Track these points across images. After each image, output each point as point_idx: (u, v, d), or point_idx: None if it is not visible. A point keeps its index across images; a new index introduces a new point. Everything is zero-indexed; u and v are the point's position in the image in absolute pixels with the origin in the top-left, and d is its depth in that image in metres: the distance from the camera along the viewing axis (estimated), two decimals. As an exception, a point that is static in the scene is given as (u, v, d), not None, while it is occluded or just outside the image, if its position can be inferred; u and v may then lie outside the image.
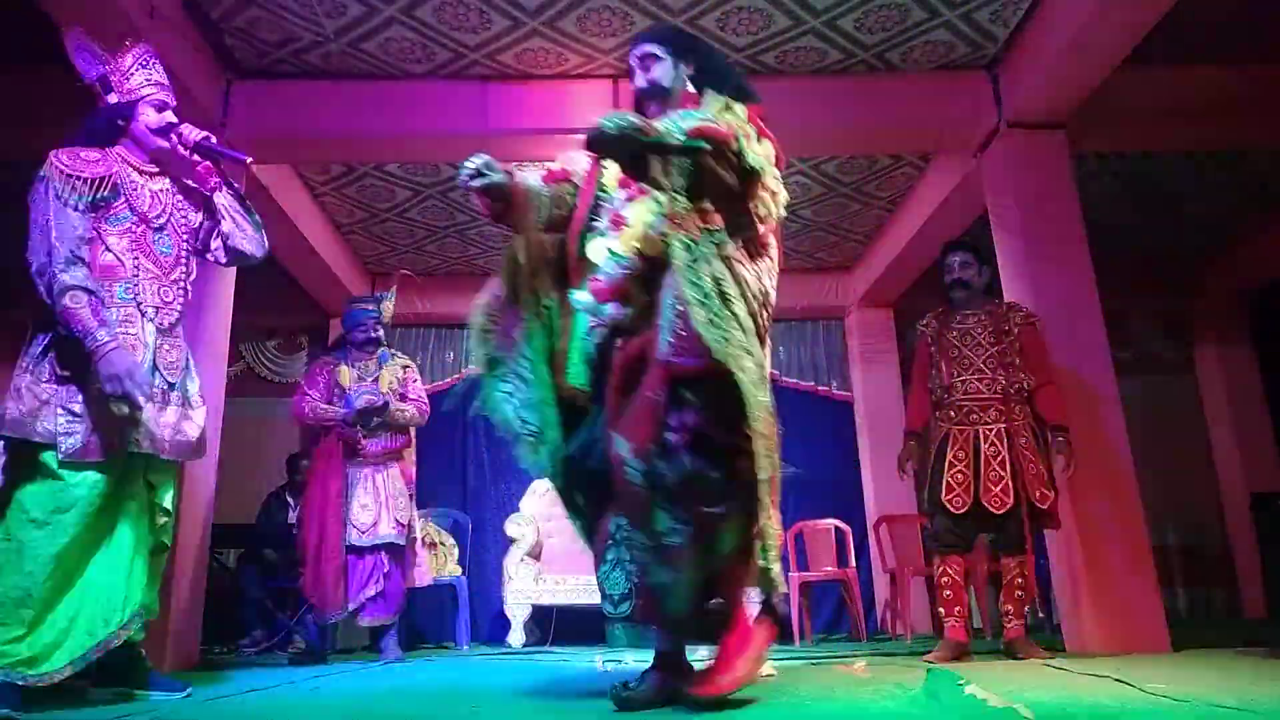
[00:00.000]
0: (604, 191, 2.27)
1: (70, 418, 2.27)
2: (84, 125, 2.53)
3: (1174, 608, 6.43)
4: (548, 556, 5.91)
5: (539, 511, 6.09)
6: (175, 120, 2.56)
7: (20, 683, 2.11)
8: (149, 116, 2.54)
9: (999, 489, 3.48)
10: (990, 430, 3.59)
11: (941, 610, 3.65)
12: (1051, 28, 3.95)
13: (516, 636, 5.63)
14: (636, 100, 2.29)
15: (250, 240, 2.68)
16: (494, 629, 6.25)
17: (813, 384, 7.06)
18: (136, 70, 2.58)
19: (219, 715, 2.14)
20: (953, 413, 3.67)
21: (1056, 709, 1.73)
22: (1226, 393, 6.96)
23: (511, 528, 5.99)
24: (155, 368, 2.41)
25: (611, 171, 2.24)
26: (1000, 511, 3.48)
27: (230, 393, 4.44)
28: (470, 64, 4.39)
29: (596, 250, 2.15)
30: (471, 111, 4.46)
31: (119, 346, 2.27)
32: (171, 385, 2.46)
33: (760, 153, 2.04)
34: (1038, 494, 3.48)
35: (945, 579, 3.61)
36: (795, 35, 4.21)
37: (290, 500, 5.84)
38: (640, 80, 2.28)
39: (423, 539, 5.76)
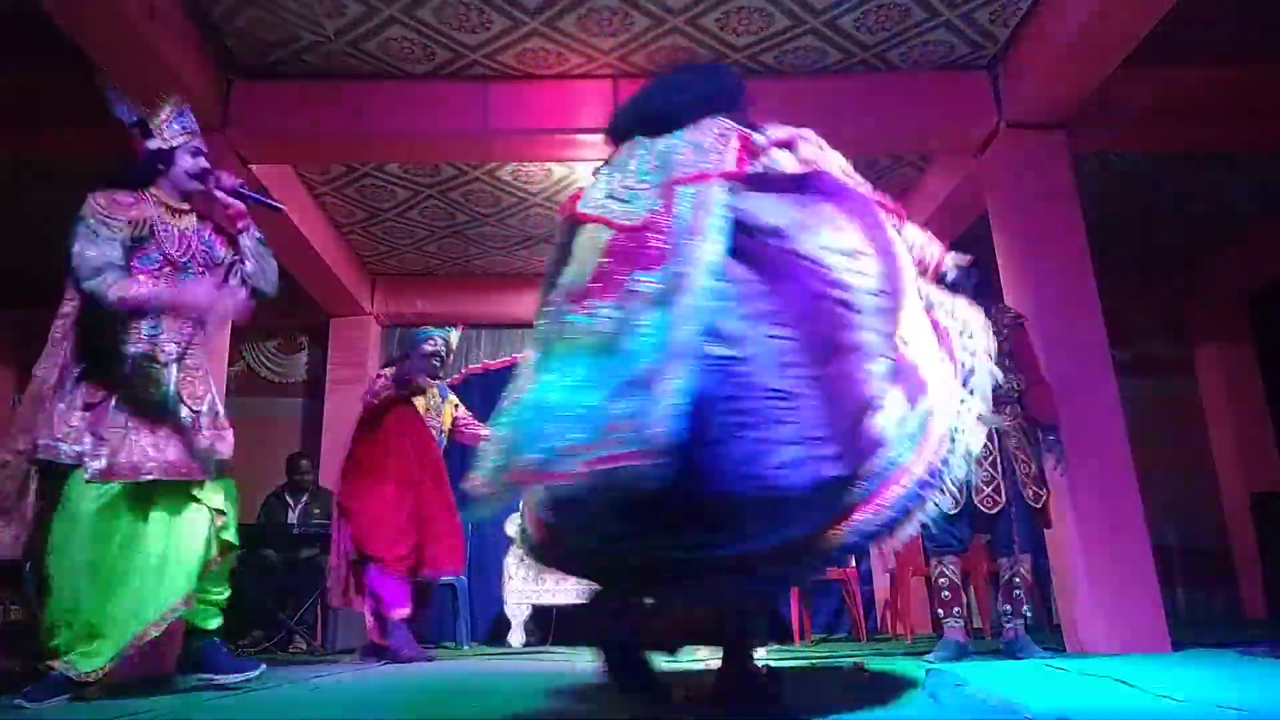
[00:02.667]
0: None
1: (96, 442, 2.48)
2: (126, 167, 2.78)
3: (1174, 608, 6.43)
4: (548, 556, 5.91)
5: (539, 511, 6.08)
6: (208, 166, 2.79)
7: (74, 677, 2.36)
8: (185, 162, 2.77)
9: (990, 489, 3.52)
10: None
11: (940, 611, 3.67)
12: (1051, 28, 3.95)
13: (516, 636, 5.63)
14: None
15: (268, 282, 2.90)
16: (494, 629, 6.25)
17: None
18: (174, 120, 2.81)
19: (219, 715, 2.14)
20: None
21: (1056, 709, 1.73)
22: (1226, 393, 6.95)
23: (511, 528, 5.98)
24: (180, 400, 2.63)
25: None
26: (992, 511, 3.51)
27: (230, 392, 4.44)
28: (470, 64, 4.39)
29: None
30: (472, 111, 4.46)
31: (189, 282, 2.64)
32: (197, 413, 2.66)
33: None
34: (1030, 493, 3.50)
35: (942, 579, 3.64)
36: (795, 35, 4.21)
37: (290, 500, 5.84)
38: None
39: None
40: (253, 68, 4.37)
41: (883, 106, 4.52)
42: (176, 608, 2.56)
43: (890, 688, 2.34)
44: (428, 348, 4.30)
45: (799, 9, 4.03)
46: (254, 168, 4.64)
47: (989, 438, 3.59)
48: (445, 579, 5.57)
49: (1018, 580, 3.51)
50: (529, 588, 5.72)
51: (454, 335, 4.49)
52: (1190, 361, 7.24)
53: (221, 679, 2.69)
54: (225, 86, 4.34)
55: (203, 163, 2.78)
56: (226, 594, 2.81)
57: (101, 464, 2.46)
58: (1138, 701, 1.89)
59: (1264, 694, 1.95)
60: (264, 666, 2.81)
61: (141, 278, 2.59)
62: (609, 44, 4.26)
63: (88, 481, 2.45)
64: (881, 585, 6.38)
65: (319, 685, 2.82)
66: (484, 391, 6.96)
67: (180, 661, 2.65)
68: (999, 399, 3.62)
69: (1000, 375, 3.59)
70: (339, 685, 2.85)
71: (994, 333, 3.68)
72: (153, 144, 2.76)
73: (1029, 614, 3.53)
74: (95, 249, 2.53)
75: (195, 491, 2.62)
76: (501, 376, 7.03)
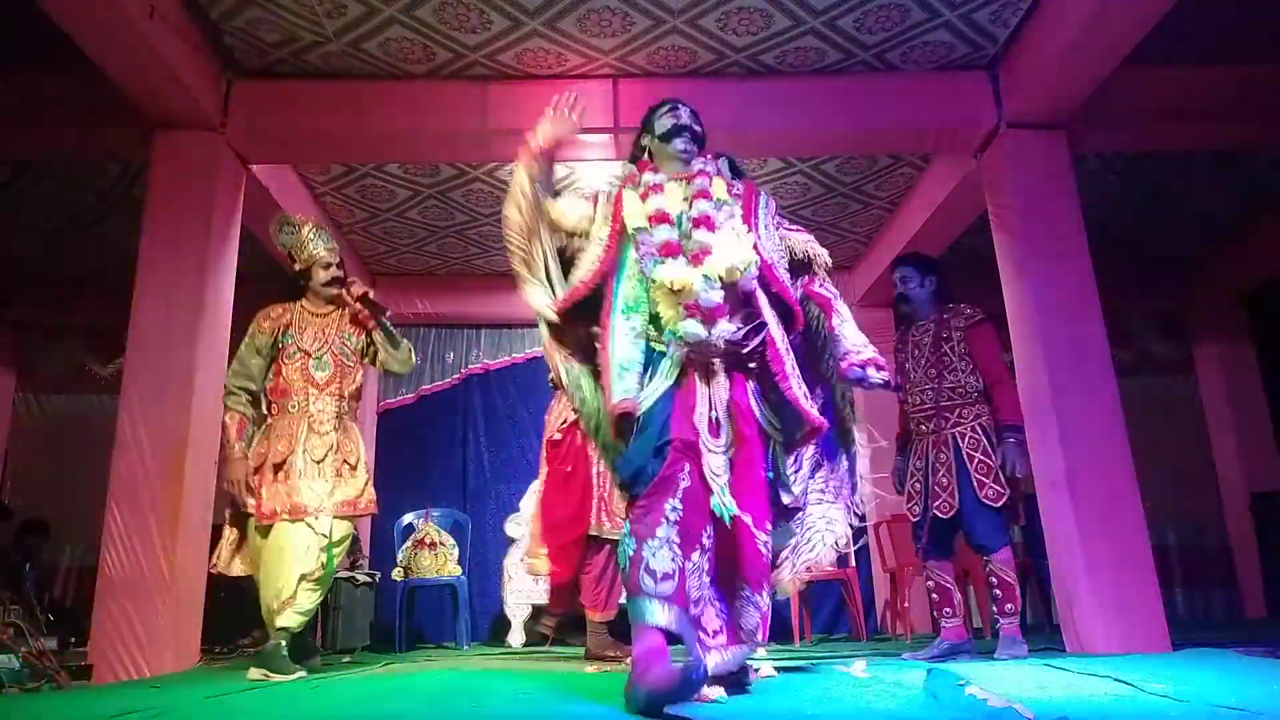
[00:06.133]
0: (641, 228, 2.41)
1: (252, 498, 3.31)
2: (286, 285, 3.66)
3: (1174, 608, 6.43)
4: (548, 556, 5.91)
5: (539, 511, 6.08)
6: (341, 275, 3.59)
7: (284, 627, 3.17)
8: (320, 275, 3.57)
9: (946, 495, 3.56)
10: (935, 439, 3.68)
11: (934, 611, 3.73)
12: (1051, 28, 3.94)
13: (516, 636, 5.63)
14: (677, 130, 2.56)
15: (397, 363, 3.65)
16: (494, 629, 6.25)
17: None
18: (311, 240, 3.58)
19: (219, 714, 2.14)
20: (912, 425, 3.83)
21: (1056, 709, 1.72)
22: (1226, 393, 6.95)
23: (511, 528, 6.00)
24: (305, 451, 3.34)
25: (637, 208, 2.45)
26: (947, 517, 3.55)
27: (230, 393, 4.43)
28: (470, 64, 4.38)
29: (682, 273, 2.27)
30: (471, 111, 4.46)
31: (241, 459, 3.33)
32: (318, 462, 3.34)
33: None
34: (989, 493, 3.50)
35: (930, 582, 3.74)
36: (795, 35, 4.21)
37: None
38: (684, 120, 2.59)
39: (423, 539, 5.78)
40: (253, 68, 4.37)
41: (883, 106, 4.51)
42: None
43: (890, 687, 2.34)
44: None
45: (799, 9, 4.03)
46: (254, 168, 4.64)
47: (945, 443, 3.61)
48: (446, 579, 5.60)
49: (994, 580, 3.54)
50: (529, 588, 5.72)
51: None
52: (1190, 361, 7.24)
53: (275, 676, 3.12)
54: (225, 86, 4.34)
55: (334, 273, 3.56)
56: (310, 606, 3.34)
57: (263, 509, 3.27)
58: (1138, 701, 1.89)
59: (1264, 694, 1.96)
60: (304, 673, 3.21)
61: (237, 416, 3.39)
62: (609, 44, 4.26)
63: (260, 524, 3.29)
64: (881, 585, 6.38)
65: (319, 685, 2.82)
66: (484, 391, 6.97)
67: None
68: (955, 400, 3.66)
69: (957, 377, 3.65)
70: (339, 685, 2.85)
71: (943, 338, 3.74)
72: (296, 266, 3.59)
73: (1011, 611, 3.54)
74: (240, 360, 3.46)
75: (314, 524, 3.27)
76: (502, 376, 7.04)
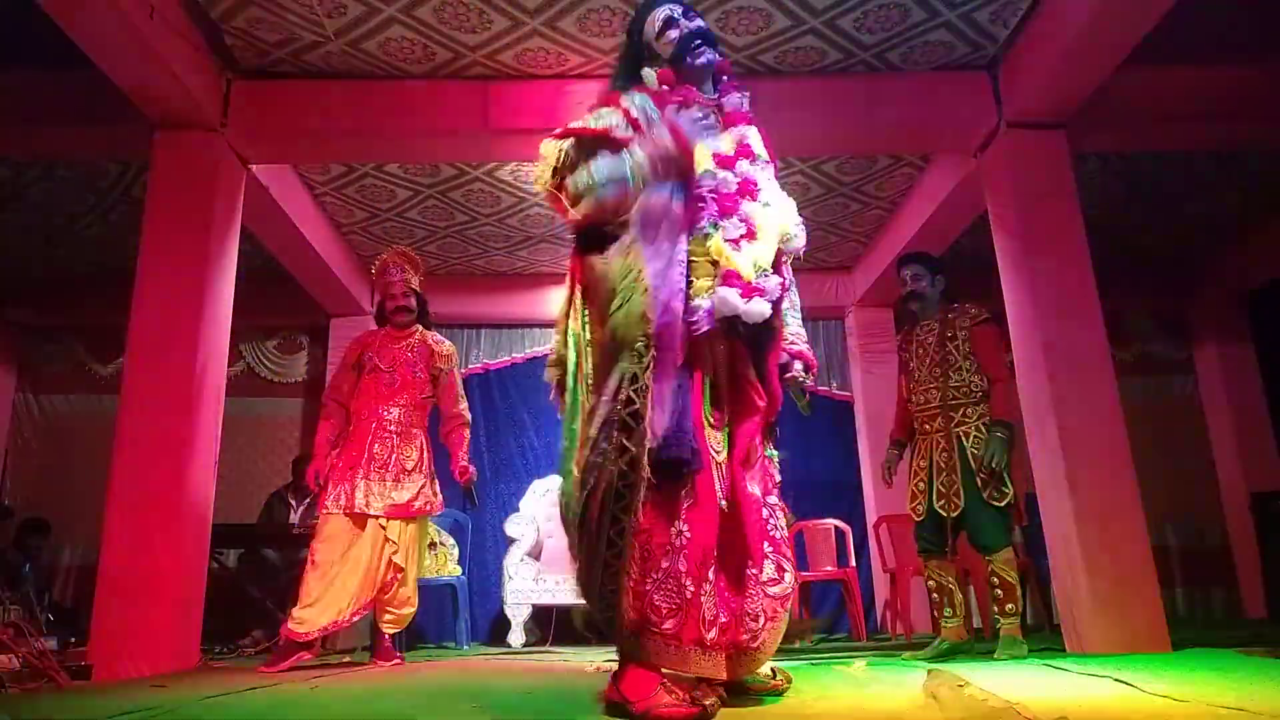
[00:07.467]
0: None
1: (339, 488, 3.82)
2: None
3: (1174, 608, 6.43)
4: (548, 556, 5.91)
5: (539, 511, 6.09)
6: (398, 305, 4.12)
7: (293, 635, 3.59)
8: (388, 306, 4.16)
9: (950, 494, 3.60)
10: (940, 439, 3.71)
11: (934, 611, 3.74)
12: (1051, 28, 3.94)
13: (516, 636, 5.63)
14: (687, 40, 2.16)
15: (451, 403, 4.17)
16: (494, 629, 6.25)
17: (812, 384, 7.05)
18: (380, 275, 4.20)
19: (219, 714, 2.14)
20: (915, 424, 3.88)
21: (1056, 709, 1.72)
22: (1226, 393, 6.95)
23: (511, 528, 6.00)
24: (370, 457, 3.84)
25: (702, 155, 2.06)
26: (951, 516, 3.58)
27: (230, 393, 4.44)
28: (470, 64, 4.38)
29: (739, 256, 2.03)
30: (471, 111, 4.46)
31: (321, 459, 3.89)
32: (381, 466, 3.84)
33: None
34: (991, 492, 3.53)
35: (930, 582, 3.77)
36: (795, 35, 4.21)
37: (293, 501, 5.83)
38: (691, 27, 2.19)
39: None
40: (253, 68, 4.37)
41: (883, 106, 4.51)
42: (364, 607, 3.74)
43: (890, 688, 2.34)
44: None
45: (799, 9, 4.03)
46: (254, 168, 4.65)
47: (947, 445, 3.64)
48: (446, 579, 5.59)
49: (995, 580, 3.56)
50: (529, 588, 5.72)
51: None
52: (1190, 361, 7.25)
53: (381, 664, 3.86)
54: (225, 86, 4.34)
55: (396, 303, 4.11)
56: (405, 610, 3.95)
57: (342, 502, 3.78)
58: (1138, 701, 1.89)
59: (1264, 694, 1.95)
60: (403, 658, 4.10)
61: (326, 425, 4.02)
62: (609, 44, 4.25)
63: (328, 514, 3.78)
64: (881, 585, 6.38)
65: (319, 685, 2.82)
66: (484, 391, 6.97)
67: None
68: (961, 399, 3.67)
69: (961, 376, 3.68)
70: (339, 685, 2.85)
71: (948, 337, 3.76)
72: (377, 298, 4.28)
73: (1011, 611, 3.55)
74: (335, 379, 4.16)
75: (382, 523, 3.76)
76: (502, 376, 7.04)
